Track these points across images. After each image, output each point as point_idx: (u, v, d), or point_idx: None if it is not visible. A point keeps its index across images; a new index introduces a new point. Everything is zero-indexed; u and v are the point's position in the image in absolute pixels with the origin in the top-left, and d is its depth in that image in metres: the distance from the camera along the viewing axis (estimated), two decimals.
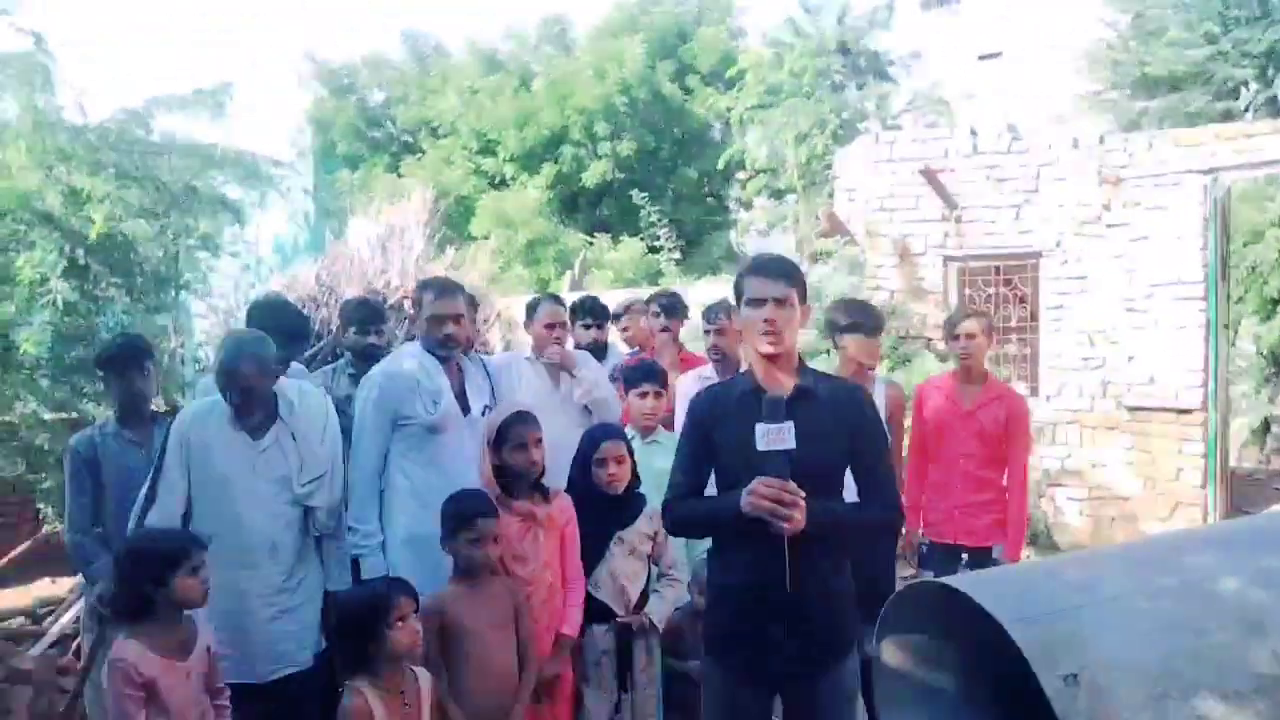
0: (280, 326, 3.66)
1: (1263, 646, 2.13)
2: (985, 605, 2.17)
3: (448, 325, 3.25)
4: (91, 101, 5.07)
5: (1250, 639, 2.15)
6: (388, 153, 18.54)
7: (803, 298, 2.35)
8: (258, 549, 2.86)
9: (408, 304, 5.90)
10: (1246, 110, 10.77)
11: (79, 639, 3.88)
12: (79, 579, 4.33)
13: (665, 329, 4.64)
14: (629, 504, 3.13)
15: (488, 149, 17.18)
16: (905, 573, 4.95)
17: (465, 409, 3.30)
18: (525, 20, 18.77)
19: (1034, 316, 7.27)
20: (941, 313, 7.32)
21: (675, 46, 17.84)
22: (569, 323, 4.17)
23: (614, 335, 4.80)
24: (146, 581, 2.40)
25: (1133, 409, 6.73)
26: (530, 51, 18.45)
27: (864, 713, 3.55)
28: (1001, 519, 3.88)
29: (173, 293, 5.46)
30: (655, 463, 3.25)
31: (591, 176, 16.40)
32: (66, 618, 4.96)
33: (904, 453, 6.64)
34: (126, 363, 3.36)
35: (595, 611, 3.06)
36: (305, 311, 5.75)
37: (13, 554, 6.49)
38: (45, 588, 6.27)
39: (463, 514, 2.78)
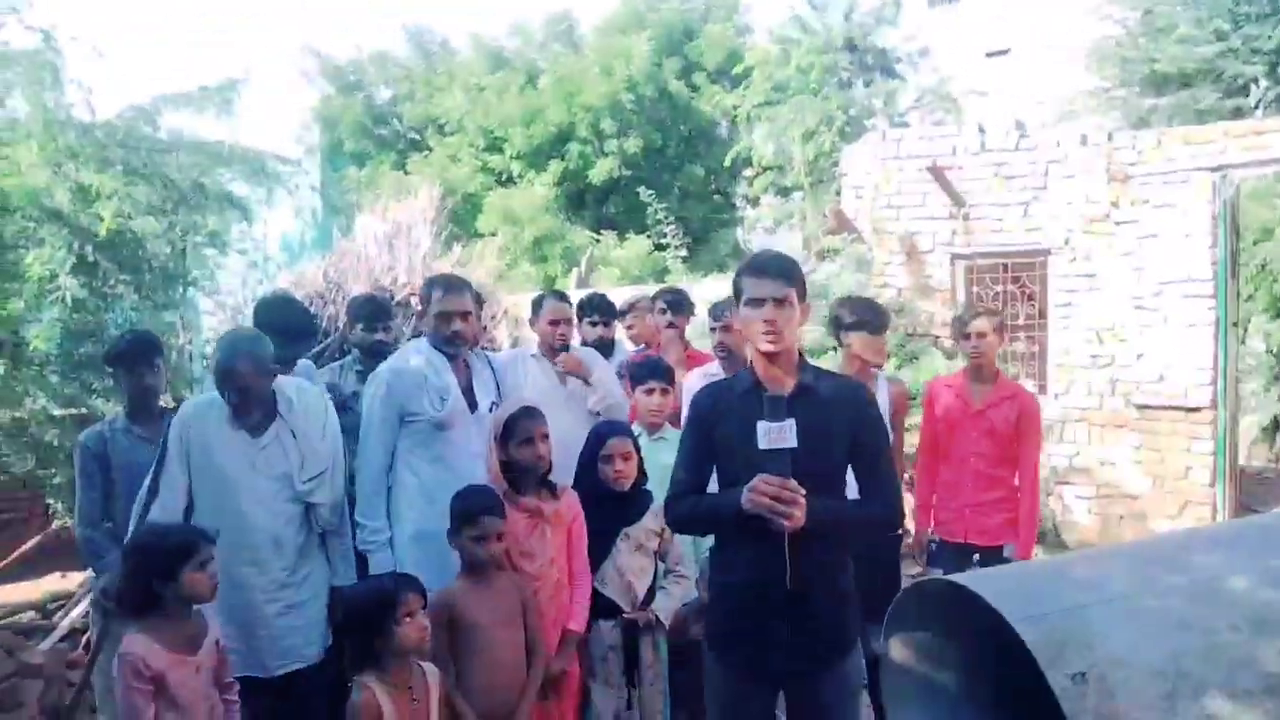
0: (287, 324, 3.68)
1: (1272, 646, 2.12)
2: (993, 603, 2.16)
3: (455, 322, 3.26)
4: (99, 99, 5.09)
5: (1259, 638, 2.14)
6: (394, 150, 18.58)
7: (802, 295, 2.34)
8: (260, 545, 2.88)
9: (415, 301, 5.91)
10: (1256, 107, 10.71)
11: (88, 633, 3.90)
12: (89, 574, 4.35)
13: (671, 325, 4.64)
14: (636, 500, 3.13)
15: (494, 146, 17.21)
16: (913, 570, 4.95)
17: (472, 405, 3.31)
18: (531, 17, 18.81)
19: (1042, 314, 7.25)
20: (949, 310, 7.30)
21: (682, 43, 17.84)
22: (575, 319, 4.18)
23: (620, 333, 4.80)
24: (155, 576, 2.41)
25: (1141, 407, 6.71)
26: (537, 48, 18.47)
27: (871, 710, 3.56)
28: (1013, 518, 3.86)
29: (181, 290, 5.48)
30: (662, 459, 3.25)
31: (598, 174, 16.42)
32: (76, 612, 4.99)
33: (905, 450, 6.68)
34: (136, 359, 3.37)
35: (602, 608, 3.07)
36: (312, 308, 5.77)
37: (23, 549, 6.53)
38: (55, 582, 6.30)
39: (468, 510, 2.79)
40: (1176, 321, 6.52)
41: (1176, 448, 6.56)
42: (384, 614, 2.47)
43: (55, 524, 5.87)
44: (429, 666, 2.63)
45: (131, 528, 2.94)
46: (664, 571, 3.24)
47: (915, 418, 6.56)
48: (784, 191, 14.23)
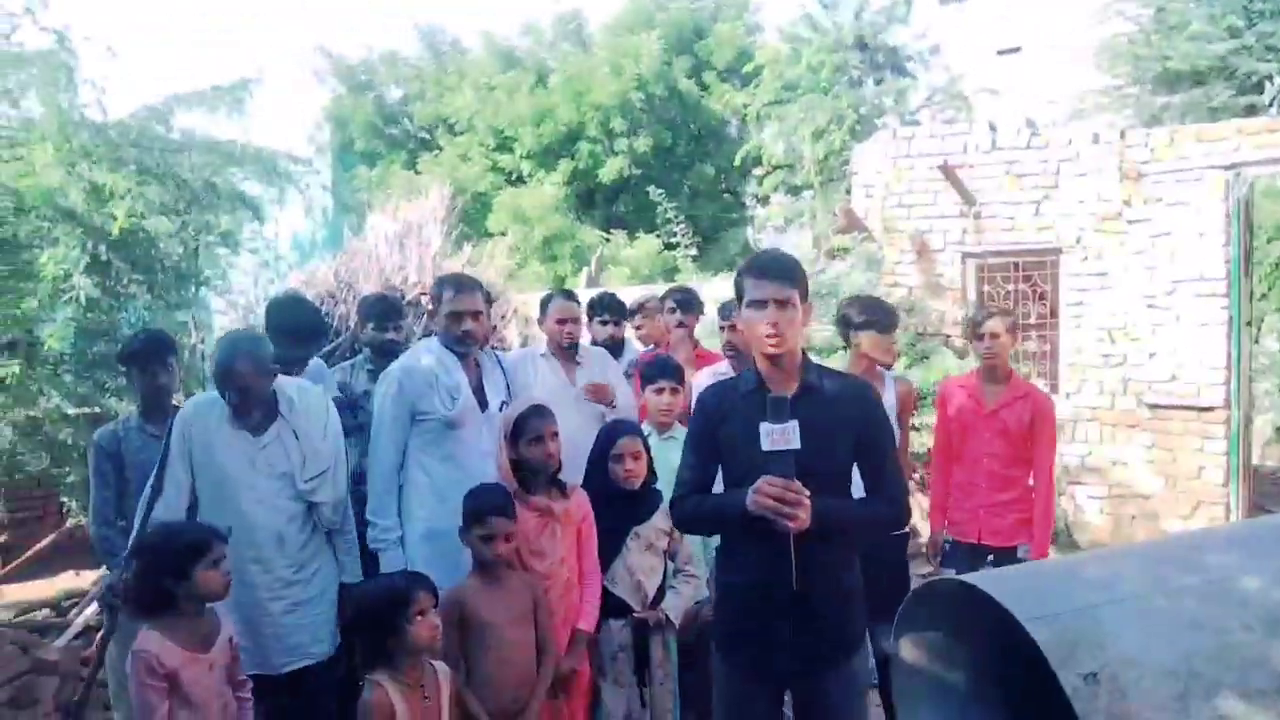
0: (297, 325, 3.70)
1: None
2: (1004, 603, 2.16)
3: (466, 321, 3.27)
4: (112, 99, 5.12)
5: (1272, 638, 2.13)
6: (405, 149, 18.63)
7: (804, 296, 2.33)
8: (264, 543, 2.89)
9: (425, 300, 5.92)
10: (1270, 105, 10.63)
11: (102, 630, 3.92)
12: (103, 572, 4.38)
13: (681, 324, 4.64)
14: (645, 500, 3.14)
15: (504, 145, 17.23)
16: (925, 571, 4.94)
17: (483, 404, 3.32)
18: (542, 16, 18.81)
19: (1053, 313, 7.22)
20: (960, 309, 7.28)
21: (692, 42, 17.82)
22: (585, 318, 4.18)
23: (629, 332, 4.80)
24: (168, 575, 2.43)
25: (1154, 406, 6.67)
26: (547, 48, 18.47)
27: (881, 709, 3.56)
28: (1026, 518, 3.85)
29: (193, 289, 5.50)
30: (672, 459, 3.24)
31: (608, 173, 16.42)
32: (90, 609, 5.02)
33: (910, 449, 6.67)
34: (150, 358, 3.39)
35: (612, 607, 3.07)
36: (324, 308, 5.80)
37: (38, 547, 6.58)
38: (69, 580, 6.35)
39: (477, 510, 2.80)
40: (1189, 320, 6.48)
41: (1189, 447, 6.52)
42: (396, 612, 2.48)
43: (69, 522, 5.91)
44: (440, 665, 2.64)
45: (136, 526, 2.96)
46: (673, 571, 3.25)
47: (926, 417, 6.58)
48: (794, 190, 14.21)
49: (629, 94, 16.21)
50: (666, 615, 3.11)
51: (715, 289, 7.76)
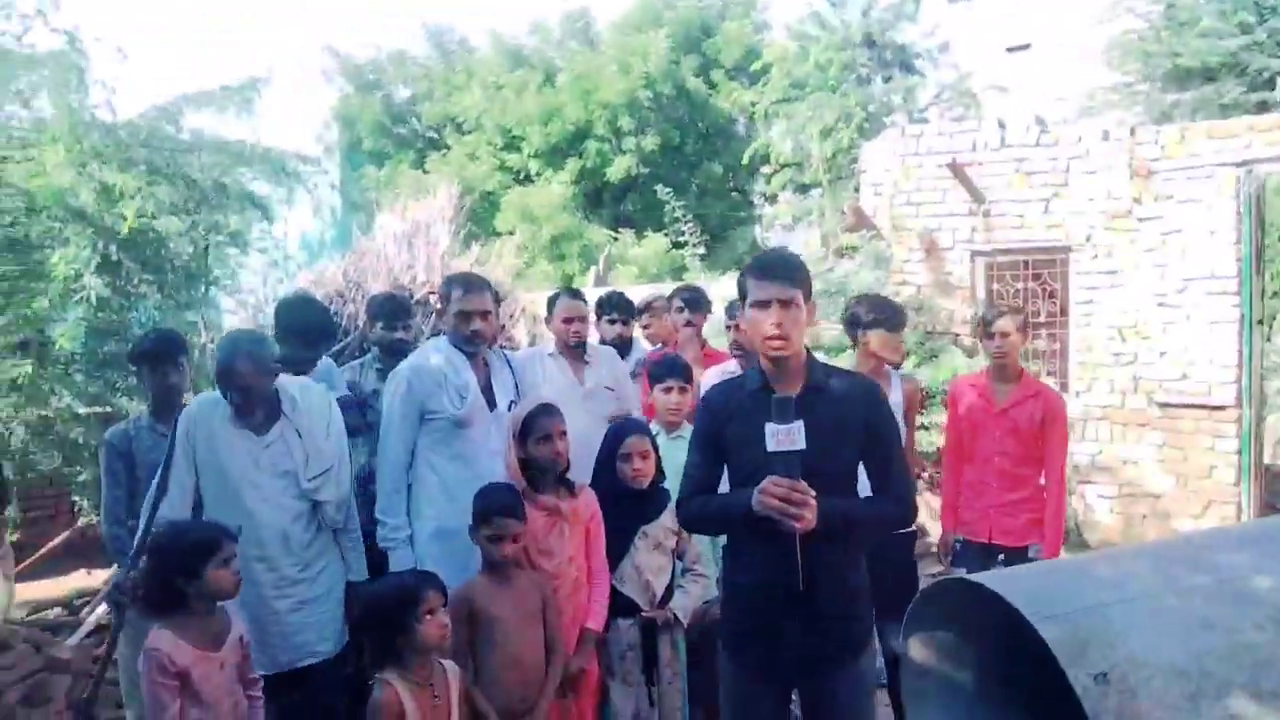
0: (307, 326, 3.72)
1: None
2: (1013, 602, 2.15)
3: (475, 321, 3.28)
4: (123, 99, 5.14)
5: None
6: (413, 149, 18.68)
7: (808, 295, 2.33)
8: (268, 542, 2.90)
9: (434, 299, 5.93)
10: None
11: (110, 628, 3.94)
12: (114, 570, 4.40)
13: (689, 323, 4.64)
14: (653, 499, 3.14)
15: (512, 145, 17.27)
16: (935, 570, 4.93)
17: (491, 403, 3.33)
18: (550, 15, 18.84)
19: (1063, 311, 7.19)
20: (969, 308, 7.26)
21: (699, 40, 17.83)
22: (592, 317, 4.18)
23: (637, 331, 4.80)
24: (179, 573, 2.44)
25: (1164, 405, 6.64)
26: (554, 46, 18.50)
27: (890, 709, 3.56)
28: (1037, 518, 3.83)
29: (203, 289, 5.52)
30: (680, 458, 3.23)
31: (616, 171, 16.44)
32: (102, 608, 5.04)
33: (920, 448, 6.66)
34: (161, 357, 3.41)
35: (620, 606, 3.08)
36: (332, 307, 5.81)
37: (50, 545, 6.62)
38: (81, 579, 6.38)
39: (485, 510, 2.81)
40: (1200, 318, 6.45)
41: (1200, 446, 6.49)
42: (405, 611, 2.49)
43: (81, 521, 5.94)
44: (449, 664, 2.64)
45: (141, 526, 2.97)
46: (682, 570, 3.25)
47: (936, 416, 6.57)
48: (802, 188, 14.19)
49: (637, 92, 16.23)
50: (675, 614, 3.11)
51: (723, 288, 7.75)
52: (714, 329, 5.33)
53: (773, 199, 15.87)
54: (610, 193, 17.43)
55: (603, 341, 4.43)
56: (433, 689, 2.54)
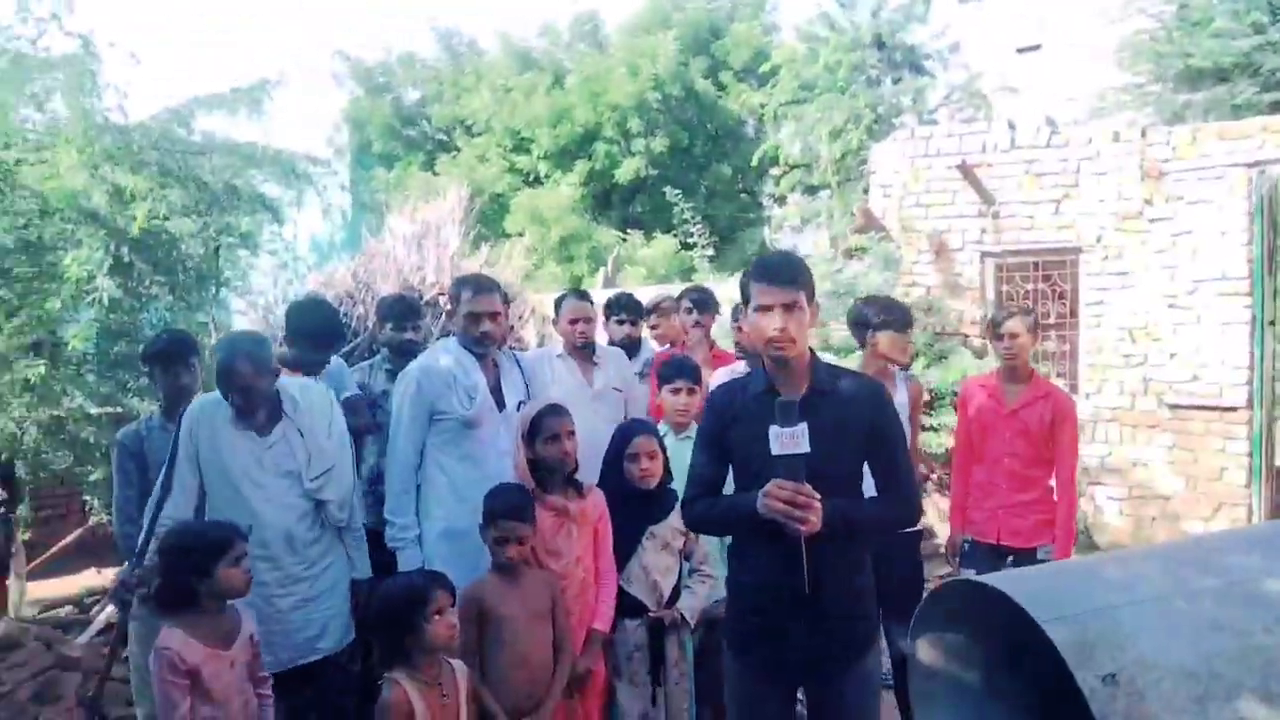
0: (317, 329, 3.74)
1: None
2: (1021, 603, 2.15)
3: (484, 322, 3.29)
4: (135, 102, 5.17)
5: None
6: (423, 151, 18.73)
7: (810, 296, 2.32)
8: (272, 541, 2.91)
9: (443, 301, 5.95)
10: None
11: (116, 626, 3.97)
12: (122, 568, 4.43)
13: (698, 324, 4.64)
14: (661, 499, 3.14)
15: (521, 146, 17.29)
16: (944, 571, 4.92)
17: (500, 404, 3.34)
18: (559, 17, 18.87)
19: (1073, 313, 7.16)
20: (979, 309, 7.25)
21: (708, 42, 17.82)
22: (595, 317, 4.18)
23: (645, 331, 4.81)
24: (191, 572, 2.46)
25: (1175, 406, 6.61)
26: (563, 48, 18.52)
27: (897, 710, 3.55)
28: (1046, 519, 3.81)
29: (213, 290, 5.55)
30: (688, 459, 3.25)
31: (624, 173, 16.44)
32: (112, 607, 5.08)
33: (929, 450, 6.64)
34: (173, 358, 3.43)
35: (627, 606, 3.08)
36: (342, 308, 5.84)
37: (61, 544, 6.67)
38: (92, 577, 6.43)
39: (492, 511, 2.82)
40: (1211, 320, 6.42)
41: (1210, 448, 6.46)
42: (414, 611, 2.49)
43: (92, 520, 5.98)
44: (458, 663, 2.65)
45: (145, 526, 2.98)
46: (689, 570, 3.25)
47: (945, 417, 6.55)
48: (811, 190, 14.17)
49: (646, 94, 16.24)
50: (682, 615, 3.11)
51: (731, 289, 7.73)
52: (721, 330, 5.33)
53: (782, 200, 15.86)
54: (619, 194, 17.44)
55: (611, 342, 4.44)
56: (441, 688, 2.54)
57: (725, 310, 5.08)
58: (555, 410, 3.02)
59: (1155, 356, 6.70)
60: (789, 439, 2.15)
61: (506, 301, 4.09)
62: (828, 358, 2.81)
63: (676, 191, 13.75)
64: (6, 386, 4.49)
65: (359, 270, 6.64)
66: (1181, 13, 11.82)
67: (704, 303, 4.67)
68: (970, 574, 3.63)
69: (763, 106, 15.61)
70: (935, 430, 6.72)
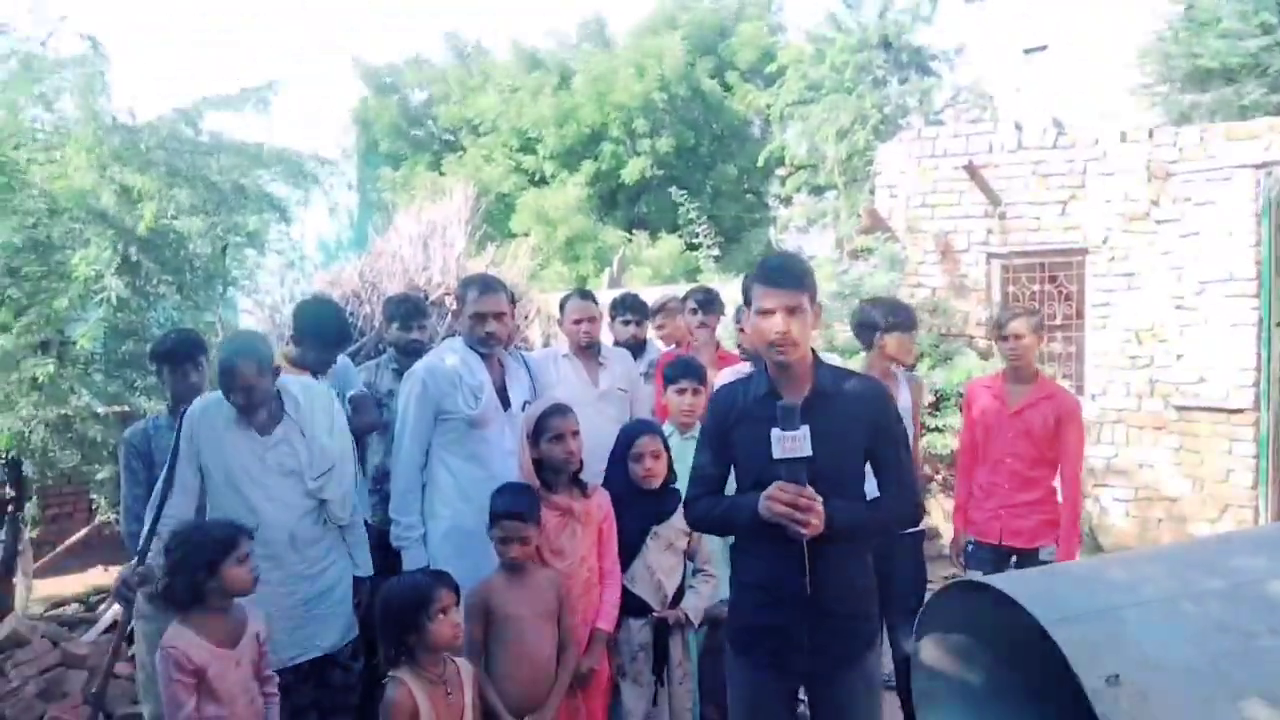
0: (325, 329, 3.76)
1: None
2: (1025, 605, 2.15)
3: (489, 322, 3.30)
4: (143, 101, 5.20)
5: None
6: (429, 151, 18.76)
7: (813, 299, 2.32)
8: (275, 541, 2.91)
9: (449, 300, 5.96)
10: None
11: (118, 623, 3.99)
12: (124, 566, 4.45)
13: (703, 325, 4.64)
14: (665, 499, 3.14)
15: (528, 147, 17.31)
16: (949, 572, 4.91)
17: (506, 404, 3.35)
18: (566, 18, 18.91)
19: (1079, 314, 7.15)
20: (985, 310, 7.24)
21: (715, 43, 17.82)
22: (599, 317, 4.19)
23: (650, 332, 4.81)
24: (197, 571, 2.47)
25: (1181, 408, 6.60)
26: (570, 49, 18.54)
27: (901, 710, 3.55)
28: (1049, 520, 3.81)
29: (221, 289, 5.56)
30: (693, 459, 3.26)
31: (630, 173, 16.45)
32: (117, 605, 5.10)
33: (934, 451, 6.63)
34: (181, 357, 3.44)
35: (632, 606, 3.08)
36: (348, 308, 5.85)
37: (68, 542, 6.70)
38: (99, 576, 6.45)
39: (495, 511, 2.83)
40: (1218, 321, 6.40)
41: (1217, 450, 6.44)
42: (418, 610, 2.50)
43: (99, 519, 6.00)
44: (462, 662, 2.66)
45: (147, 525, 2.99)
46: (693, 570, 3.25)
47: (950, 418, 6.54)
48: (817, 191, 14.16)
49: (652, 95, 16.25)
50: (686, 615, 3.12)
51: (737, 290, 7.74)
52: (727, 330, 5.33)
53: (787, 201, 15.84)
54: (625, 195, 17.44)
55: (616, 343, 4.45)
56: (446, 687, 2.55)
57: (731, 311, 5.08)
58: (560, 410, 3.03)
59: (1162, 358, 6.69)
60: (791, 442, 2.15)
61: (513, 301, 4.10)
62: (832, 359, 2.81)
63: (682, 192, 13.76)
64: (14, 385, 4.51)
65: (365, 270, 6.65)
66: (1189, 13, 11.78)
67: (709, 303, 4.68)
68: (975, 575, 3.64)
69: (769, 107, 15.60)
70: (940, 431, 6.72)
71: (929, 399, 6.77)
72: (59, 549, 6.69)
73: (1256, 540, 3.09)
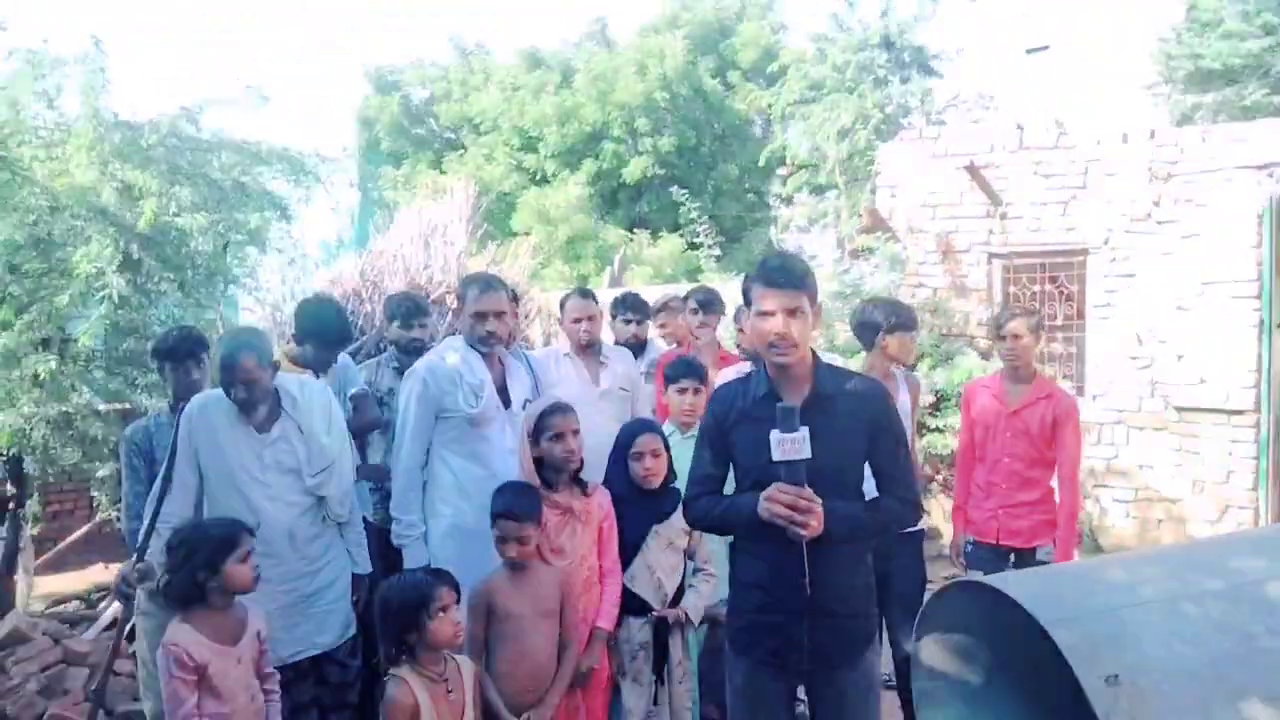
0: (327, 328, 3.76)
1: None
2: (1026, 605, 2.15)
3: (489, 321, 3.30)
4: (144, 99, 5.20)
5: None
6: (430, 149, 18.77)
7: (813, 300, 2.32)
8: (274, 539, 2.92)
9: (450, 299, 5.96)
10: None
11: (131, 622, 3.99)
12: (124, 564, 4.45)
13: (704, 325, 4.65)
14: (666, 498, 3.14)
15: (529, 145, 17.32)
16: (949, 572, 4.91)
17: (506, 402, 3.35)
18: (568, 17, 18.94)
19: (1080, 314, 7.15)
20: (986, 310, 7.23)
21: (717, 42, 17.83)
22: (599, 315, 4.19)
23: (652, 331, 4.81)
24: (199, 569, 2.47)
25: (1181, 409, 6.60)
26: (572, 48, 18.54)
27: (900, 709, 3.55)
28: (1047, 520, 3.82)
29: (222, 287, 5.57)
30: None
31: (632, 172, 16.46)
32: (117, 602, 5.10)
33: (934, 451, 6.62)
34: (183, 354, 3.44)
35: (631, 605, 3.08)
36: (349, 306, 5.85)
37: (69, 540, 6.70)
38: (99, 573, 6.46)
39: (494, 511, 2.83)
40: (1219, 323, 6.40)
41: (1217, 451, 6.44)
42: (419, 609, 2.50)
43: (100, 516, 6.00)
44: (463, 659, 2.66)
45: (145, 523, 2.99)
46: (693, 569, 3.26)
47: (951, 419, 6.54)
48: (818, 190, 14.15)
49: (654, 94, 16.25)
50: (686, 614, 3.12)
51: (737, 289, 7.74)
52: (725, 331, 5.34)
53: (789, 200, 15.82)
54: (626, 194, 17.45)
55: (617, 342, 4.45)
56: (447, 684, 2.55)
57: (732, 310, 5.09)
58: (561, 409, 3.03)
59: (1162, 359, 6.69)
60: (790, 444, 2.15)
61: (515, 300, 4.10)
62: (833, 359, 2.81)
63: (683, 191, 13.76)
64: (16, 382, 4.51)
65: (366, 268, 6.65)
66: (1191, 14, 11.79)
67: (709, 304, 4.68)
68: (975, 575, 3.64)
69: (770, 106, 15.59)
70: (940, 431, 6.72)
71: (929, 399, 6.77)
72: (60, 546, 6.69)
73: (1256, 541, 3.09)
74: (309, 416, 3.05)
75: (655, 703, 3.06)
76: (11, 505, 5.16)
